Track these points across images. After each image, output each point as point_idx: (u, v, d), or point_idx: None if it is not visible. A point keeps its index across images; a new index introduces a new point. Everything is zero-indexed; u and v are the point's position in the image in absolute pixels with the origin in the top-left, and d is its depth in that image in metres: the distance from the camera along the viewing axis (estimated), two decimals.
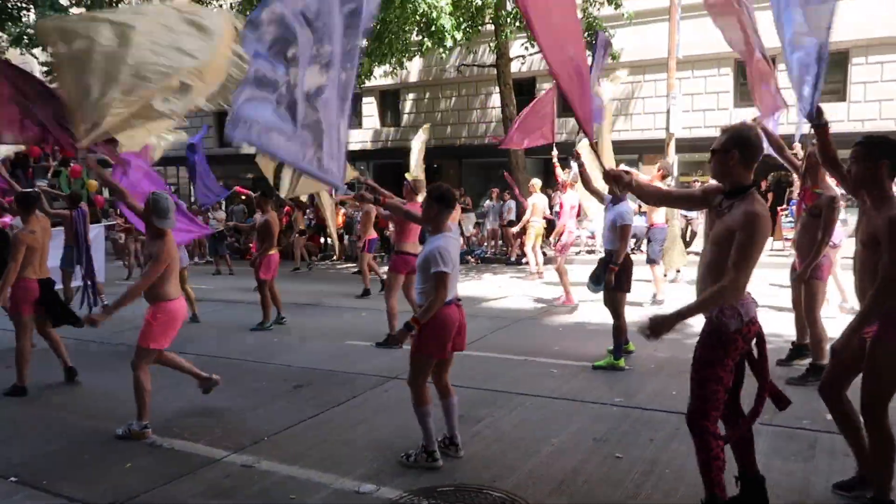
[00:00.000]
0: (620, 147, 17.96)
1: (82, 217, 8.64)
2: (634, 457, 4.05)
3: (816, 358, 5.35)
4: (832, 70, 15.84)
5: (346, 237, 16.99)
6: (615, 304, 6.09)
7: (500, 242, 16.44)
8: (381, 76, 16.34)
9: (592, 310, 8.50)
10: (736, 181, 2.94)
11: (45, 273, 5.93)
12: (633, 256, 6.47)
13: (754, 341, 3.04)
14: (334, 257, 17.11)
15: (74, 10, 21.04)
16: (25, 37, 19.82)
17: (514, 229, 13.45)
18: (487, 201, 17.16)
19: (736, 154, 2.89)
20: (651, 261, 9.04)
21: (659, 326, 2.91)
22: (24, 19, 20.52)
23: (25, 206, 5.84)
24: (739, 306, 2.91)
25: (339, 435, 4.59)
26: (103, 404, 5.43)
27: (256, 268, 8.32)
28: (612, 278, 5.98)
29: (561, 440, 4.35)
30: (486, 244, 16.73)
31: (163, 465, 4.15)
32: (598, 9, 14.75)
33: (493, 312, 9.00)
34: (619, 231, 6.03)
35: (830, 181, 5.29)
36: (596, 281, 6.23)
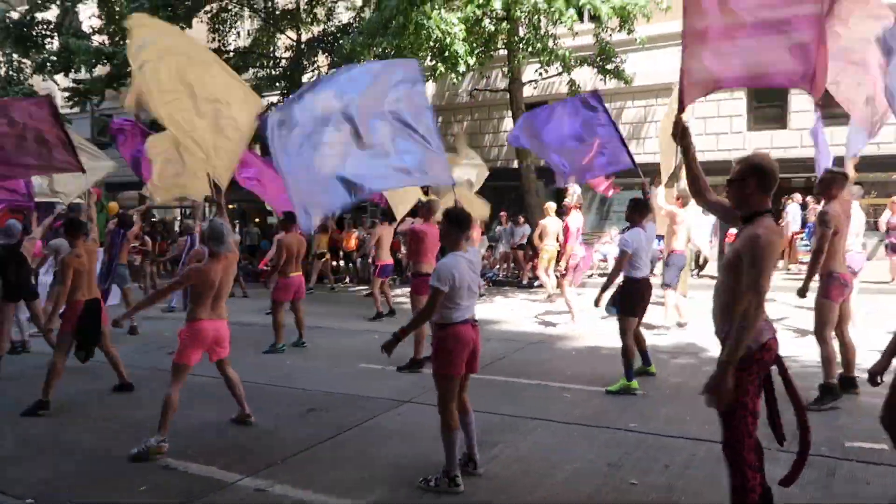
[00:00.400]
0: (633, 171, 18.02)
1: (121, 237, 9.08)
2: (650, 483, 4.01)
3: (827, 377, 5.30)
4: None
5: (358, 260, 17.05)
6: (621, 326, 6.17)
7: (511, 265, 16.44)
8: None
9: (605, 334, 8.45)
10: (753, 208, 2.98)
11: (94, 293, 6.22)
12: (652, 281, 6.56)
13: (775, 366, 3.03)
14: (346, 279, 17.18)
15: (97, 38, 21.55)
16: (49, 63, 20.26)
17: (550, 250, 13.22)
18: (499, 226, 17.21)
19: (752, 182, 2.96)
20: (665, 285, 9.00)
21: (715, 388, 2.86)
22: (47, 46, 21.00)
23: (73, 232, 6.17)
24: None
25: (353, 459, 4.58)
26: (119, 425, 5.45)
27: (272, 289, 8.40)
28: (600, 297, 6.17)
29: (576, 466, 4.32)
30: (497, 267, 16.73)
31: (177, 488, 4.16)
32: (611, 34, 14.86)
33: (506, 335, 8.98)
34: (618, 255, 6.29)
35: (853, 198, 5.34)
36: (612, 304, 6.30)
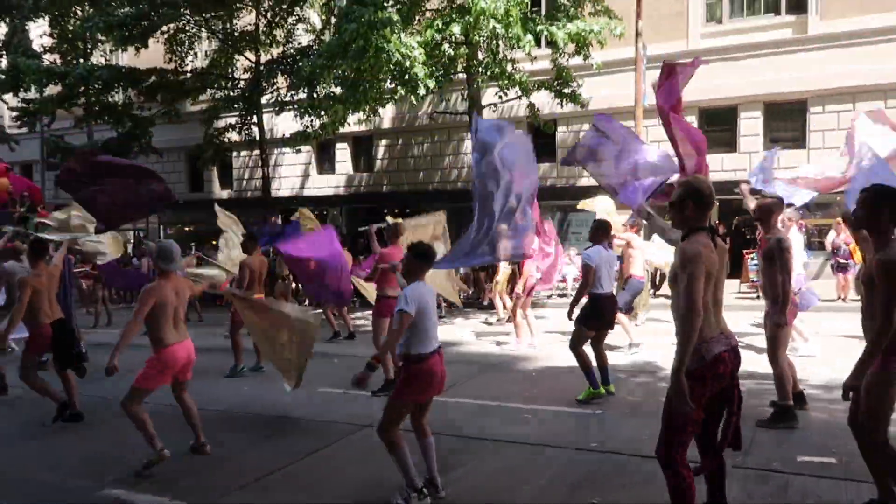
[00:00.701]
0: (590, 193, 18.30)
1: (68, 264, 8.87)
2: (611, 502, 4.03)
3: (782, 398, 5.38)
4: (791, 118, 16.48)
5: None
6: (573, 336, 6.45)
7: (472, 287, 16.48)
8: (354, 123, 16.54)
9: (566, 354, 8.52)
10: (692, 227, 3.20)
11: (57, 314, 6.23)
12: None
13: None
14: (305, 302, 16.95)
15: (48, 57, 21.07)
16: None
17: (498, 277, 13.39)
18: None
19: (690, 204, 3.19)
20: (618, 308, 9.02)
21: (676, 394, 3.01)
22: None
23: (36, 252, 6.21)
24: (700, 346, 3.05)
25: (313, 484, 4.50)
26: (71, 458, 5.25)
27: (232, 310, 8.26)
28: (571, 311, 6.59)
29: (538, 486, 4.33)
30: (466, 290, 16.74)
31: None
32: (568, 59, 15.19)
33: (466, 357, 8.97)
34: (583, 269, 6.55)
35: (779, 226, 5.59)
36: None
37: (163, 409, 5.69)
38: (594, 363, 6.46)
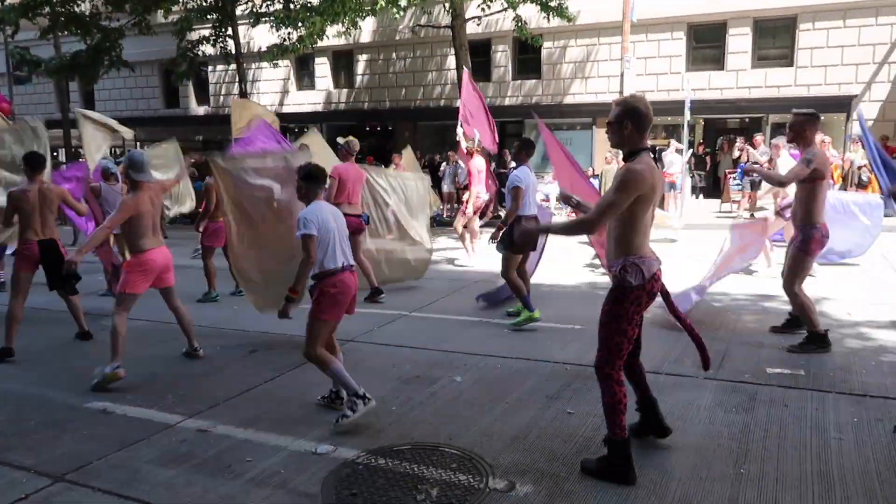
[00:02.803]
0: (576, 111, 18.08)
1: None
2: (585, 412, 4.17)
3: (811, 326, 5.24)
4: (780, 36, 16.17)
5: None
6: (504, 262, 6.27)
7: (456, 205, 16.45)
8: (333, 36, 15.96)
9: (547, 272, 8.63)
10: (631, 147, 3.20)
11: (49, 234, 5.96)
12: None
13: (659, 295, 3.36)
14: None
15: None
16: None
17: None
18: (444, 164, 17.13)
19: (629, 124, 3.16)
20: None
21: (525, 234, 3.84)
22: None
23: (32, 166, 5.92)
24: (641, 264, 3.17)
25: (295, 397, 4.60)
26: (56, 373, 5.31)
27: (201, 235, 8.12)
28: (498, 234, 6.23)
29: (515, 398, 4.46)
30: (440, 207, 16.70)
31: (117, 432, 4.10)
32: None
33: (448, 275, 9.06)
34: (511, 193, 6.20)
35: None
36: (501, 241, 6.31)
37: (140, 325, 5.73)
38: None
